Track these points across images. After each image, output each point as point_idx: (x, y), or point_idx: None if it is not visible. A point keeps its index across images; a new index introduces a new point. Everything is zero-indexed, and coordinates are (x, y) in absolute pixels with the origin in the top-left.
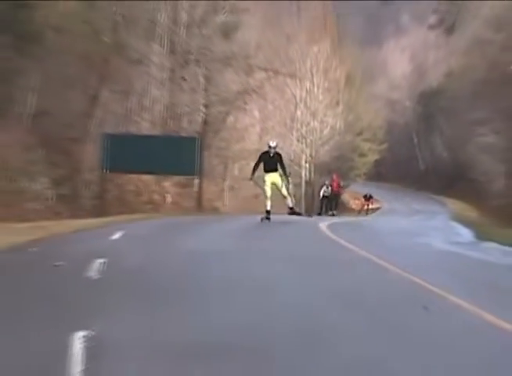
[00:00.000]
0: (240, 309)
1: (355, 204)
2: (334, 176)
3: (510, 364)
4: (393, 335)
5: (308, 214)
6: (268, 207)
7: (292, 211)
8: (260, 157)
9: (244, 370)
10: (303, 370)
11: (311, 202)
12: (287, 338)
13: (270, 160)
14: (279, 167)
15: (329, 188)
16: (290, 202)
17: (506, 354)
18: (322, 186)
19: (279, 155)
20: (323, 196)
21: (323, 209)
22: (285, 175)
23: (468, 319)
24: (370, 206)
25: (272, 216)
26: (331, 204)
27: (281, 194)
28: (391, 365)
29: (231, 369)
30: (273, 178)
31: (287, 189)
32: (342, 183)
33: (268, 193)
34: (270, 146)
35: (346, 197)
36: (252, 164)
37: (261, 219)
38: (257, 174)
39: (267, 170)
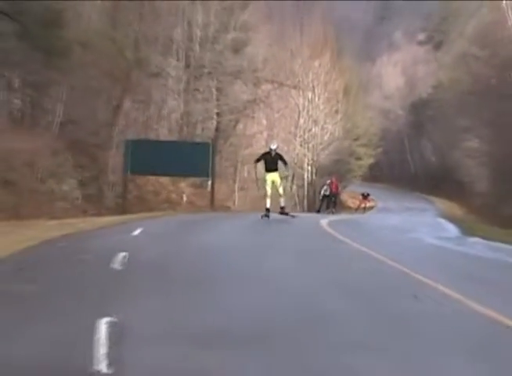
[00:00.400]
0: (249, 297)
1: (352, 202)
2: (333, 179)
3: (491, 345)
4: (386, 320)
5: (292, 215)
6: (268, 205)
7: (282, 211)
8: (263, 154)
9: (253, 351)
10: (306, 348)
11: (312, 201)
12: (293, 322)
13: (271, 160)
14: (279, 166)
15: (329, 188)
16: (283, 202)
17: (489, 337)
18: (322, 186)
19: (279, 154)
20: (324, 195)
21: (323, 207)
22: (285, 165)
23: (454, 307)
24: (367, 204)
25: (275, 214)
26: (330, 203)
27: (277, 192)
28: (385, 340)
29: (242, 350)
30: (273, 177)
31: (284, 189)
32: (340, 185)
33: (269, 191)
34: (271, 149)
35: (344, 196)
36: (261, 167)
37: (261, 217)
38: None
39: (268, 169)
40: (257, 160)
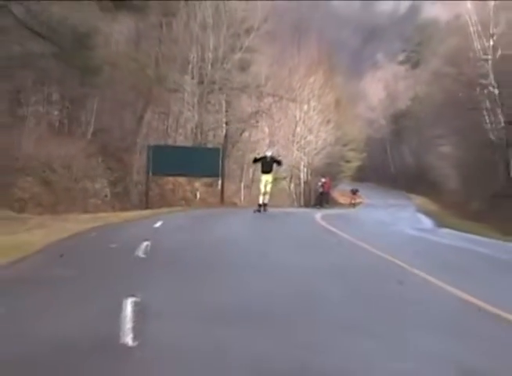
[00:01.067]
0: (256, 279)
1: (343, 199)
2: (327, 179)
3: (464, 323)
4: (370, 296)
5: (265, 209)
6: (260, 202)
7: (258, 208)
8: (260, 158)
9: (259, 327)
10: (302, 322)
11: (308, 197)
12: (292, 302)
13: (266, 163)
14: (274, 168)
15: (322, 187)
16: (261, 199)
17: (463, 316)
18: (317, 184)
19: (273, 158)
20: (319, 192)
21: (316, 202)
22: (279, 164)
23: (430, 288)
24: (357, 200)
25: (274, 209)
26: (323, 199)
27: (264, 189)
28: (370, 318)
29: (249, 326)
30: (267, 178)
31: (270, 191)
32: (332, 184)
33: (262, 190)
34: (267, 156)
35: (336, 194)
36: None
37: (254, 211)
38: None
39: (263, 171)
40: (255, 161)
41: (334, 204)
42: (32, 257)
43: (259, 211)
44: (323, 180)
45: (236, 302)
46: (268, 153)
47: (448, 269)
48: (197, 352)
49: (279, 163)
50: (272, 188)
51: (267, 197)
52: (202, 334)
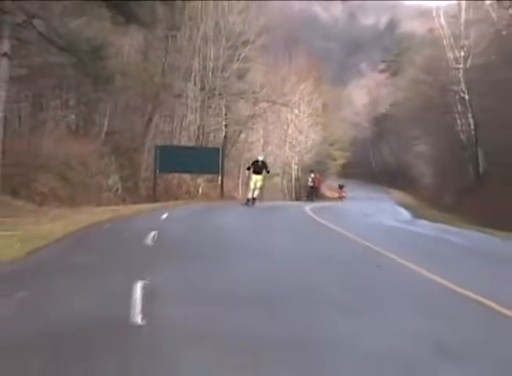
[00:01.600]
0: (255, 264)
1: (329, 193)
2: (318, 175)
3: (435, 302)
4: (356, 282)
5: (253, 203)
6: (249, 197)
7: (247, 202)
8: (253, 162)
9: (257, 308)
10: (297, 303)
11: (299, 192)
12: (286, 285)
13: (258, 166)
14: (264, 170)
15: (312, 182)
16: (251, 194)
17: (434, 296)
18: (308, 179)
19: (264, 162)
20: (310, 187)
21: (308, 196)
22: (267, 172)
23: (408, 273)
24: (343, 194)
25: (268, 202)
26: (313, 193)
27: (255, 186)
28: (354, 300)
29: (247, 307)
30: (257, 178)
31: (261, 188)
32: (322, 180)
33: (252, 187)
34: (258, 160)
35: (323, 188)
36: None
37: (241, 204)
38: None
39: (255, 172)
40: (249, 168)
41: (322, 197)
42: (53, 244)
43: (247, 204)
44: (313, 176)
45: (235, 286)
46: (260, 158)
47: (422, 255)
48: (199, 330)
49: (267, 170)
50: (263, 185)
51: (256, 192)
52: (204, 314)
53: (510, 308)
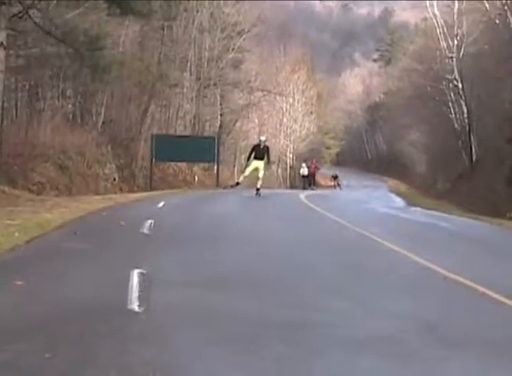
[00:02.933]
0: (247, 251)
1: (323, 181)
2: (314, 161)
3: (422, 284)
4: (349, 267)
5: (257, 193)
6: (239, 180)
7: (257, 192)
8: (253, 147)
9: (251, 292)
10: (291, 284)
11: (293, 180)
12: (281, 268)
13: (260, 151)
14: (265, 156)
15: (307, 169)
16: (259, 184)
17: (420, 278)
18: (300, 169)
19: (267, 147)
20: (302, 175)
21: (305, 185)
22: (268, 161)
23: (399, 257)
24: (330, 183)
25: (264, 190)
26: (310, 181)
27: (257, 176)
28: (347, 282)
29: (242, 292)
30: (258, 164)
31: (263, 175)
32: (319, 166)
33: (247, 172)
34: (261, 140)
35: (318, 177)
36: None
37: (224, 187)
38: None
39: (256, 157)
40: (250, 155)
41: (317, 186)
42: (51, 233)
43: (232, 186)
44: (304, 165)
45: (230, 272)
46: (263, 138)
47: (414, 240)
48: (194, 316)
49: (268, 158)
50: (264, 173)
51: (259, 182)
52: (199, 300)
53: (491, 289)
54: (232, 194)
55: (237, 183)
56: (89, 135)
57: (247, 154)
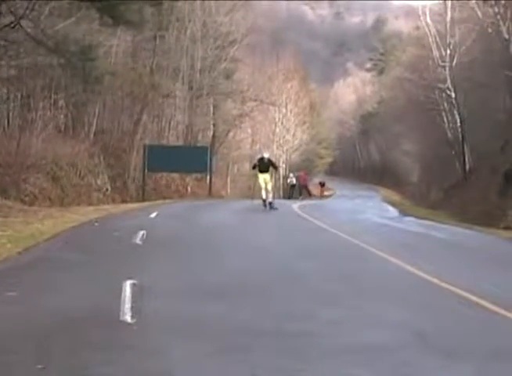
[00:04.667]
0: (241, 261)
1: (315, 191)
2: (302, 173)
3: (415, 294)
4: (342, 276)
5: (271, 206)
6: (264, 197)
7: (270, 206)
8: (258, 160)
9: (248, 297)
10: (284, 293)
11: (287, 190)
12: (275, 278)
13: (263, 165)
14: (270, 168)
15: (296, 179)
16: (270, 197)
17: (413, 287)
18: (287, 179)
19: (270, 161)
20: (290, 185)
21: (294, 194)
22: (275, 169)
23: (393, 267)
24: (325, 193)
25: (255, 201)
26: (299, 192)
27: (265, 189)
28: (340, 292)
29: (240, 298)
30: (264, 176)
31: (272, 188)
32: (308, 178)
33: (262, 185)
34: (264, 157)
35: (311, 187)
36: (247, 165)
37: (263, 206)
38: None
39: (261, 170)
40: (254, 167)
41: (308, 195)
42: (43, 244)
43: (265, 205)
44: (291, 175)
45: (223, 282)
46: (266, 155)
47: (408, 250)
48: (187, 327)
49: (274, 167)
50: (273, 185)
51: (270, 195)
52: (192, 310)
53: (485, 298)
54: (225, 205)
55: (270, 203)
56: (81, 146)
57: (252, 165)
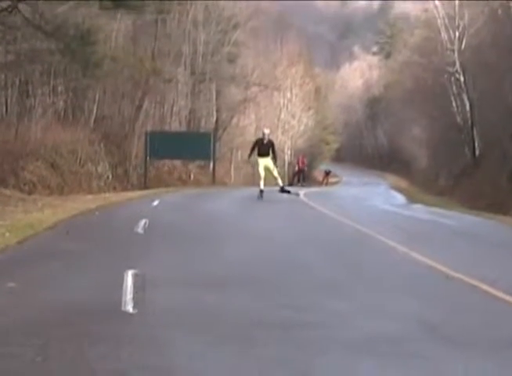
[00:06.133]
0: (244, 250)
1: (321, 177)
2: (300, 157)
3: (423, 283)
4: (348, 265)
5: (283, 190)
6: (262, 187)
7: (282, 190)
8: (255, 142)
9: (252, 287)
10: (289, 283)
11: (292, 178)
12: (279, 267)
13: (263, 146)
14: (271, 152)
15: (297, 164)
16: (280, 182)
17: (422, 276)
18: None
19: (271, 142)
20: (294, 172)
21: (294, 181)
22: (275, 158)
23: (400, 255)
24: (330, 180)
25: (256, 188)
26: (300, 178)
27: (272, 176)
28: (346, 282)
29: (243, 289)
30: (265, 162)
31: (277, 172)
32: (306, 161)
33: (262, 174)
34: (264, 133)
35: (315, 173)
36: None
37: (257, 197)
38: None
39: (260, 154)
40: (251, 151)
41: (313, 182)
42: (43, 233)
43: (261, 196)
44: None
45: (225, 271)
46: (267, 131)
47: (416, 238)
48: (190, 317)
49: (274, 155)
50: (278, 169)
51: (279, 180)
52: (194, 301)
53: (494, 287)
54: (228, 192)
55: (261, 191)
56: (81, 133)
57: (249, 151)
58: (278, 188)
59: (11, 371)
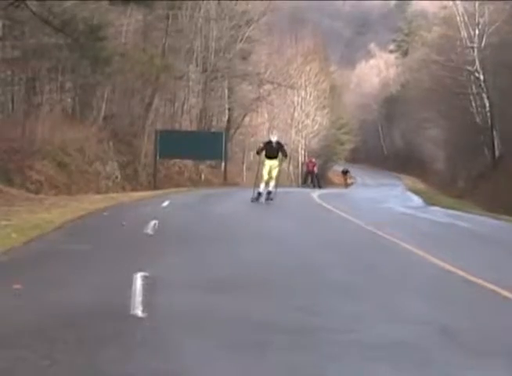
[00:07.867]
0: (257, 250)
1: (337, 179)
2: (308, 160)
3: (441, 287)
4: (365, 268)
5: (268, 197)
6: (261, 190)
7: (256, 196)
8: (265, 144)
9: (265, 291)
10: (304, 286)
11: (304, 177)
12: (290, 270)
13: (272, 149)
14: (280, 153)
15: (306, 167)
16: (271, 186)
17: (440, 281)
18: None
19: (279, 144)
20: (305, 173)
21: (307, 182)
22: (286, 156)
23: (417, 259)
24: (348, 180)
25: (276, 189)
26: (314, 180)
27: (268, 176)
28: (365, 288)
29: (256, 292)
30: (271, 164)
31: (277, 177)
32: (317, 163)
33: (265, 177)
34: (271, 141)
35: (330, 174)
36: (264, 152)
37: (251, 200)
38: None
39: (268, 156)
40: (261, 150)
41: (328, 183)
42: (50, 234)
43: (257, 199)
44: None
45: (236, 273)
46: (274, 138)
47: (433, 241)
48: (200, 321)
49: (284, 154)
50: (279, 173)
51: (272, 183)
52: (205, 304)
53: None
54: (240, 193)
55: (269, 193)
56: (90, 131)
57: (257, 150)
58: (268, 190)
59: (18, 375)
